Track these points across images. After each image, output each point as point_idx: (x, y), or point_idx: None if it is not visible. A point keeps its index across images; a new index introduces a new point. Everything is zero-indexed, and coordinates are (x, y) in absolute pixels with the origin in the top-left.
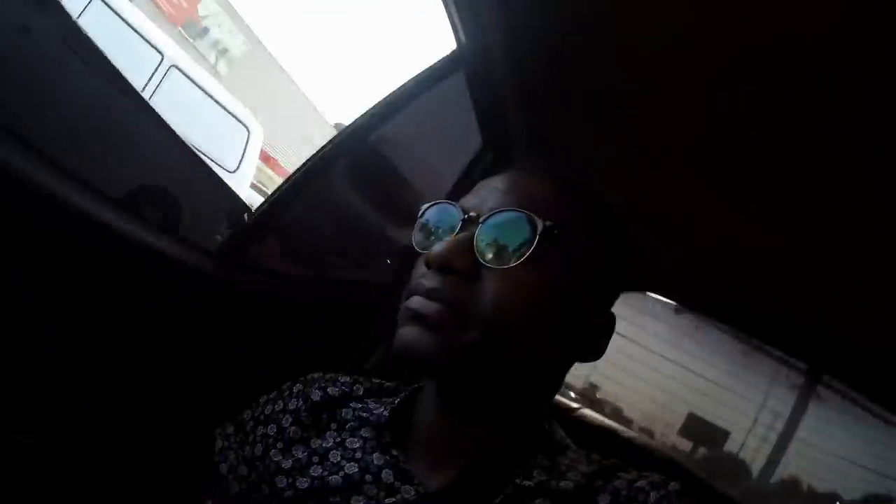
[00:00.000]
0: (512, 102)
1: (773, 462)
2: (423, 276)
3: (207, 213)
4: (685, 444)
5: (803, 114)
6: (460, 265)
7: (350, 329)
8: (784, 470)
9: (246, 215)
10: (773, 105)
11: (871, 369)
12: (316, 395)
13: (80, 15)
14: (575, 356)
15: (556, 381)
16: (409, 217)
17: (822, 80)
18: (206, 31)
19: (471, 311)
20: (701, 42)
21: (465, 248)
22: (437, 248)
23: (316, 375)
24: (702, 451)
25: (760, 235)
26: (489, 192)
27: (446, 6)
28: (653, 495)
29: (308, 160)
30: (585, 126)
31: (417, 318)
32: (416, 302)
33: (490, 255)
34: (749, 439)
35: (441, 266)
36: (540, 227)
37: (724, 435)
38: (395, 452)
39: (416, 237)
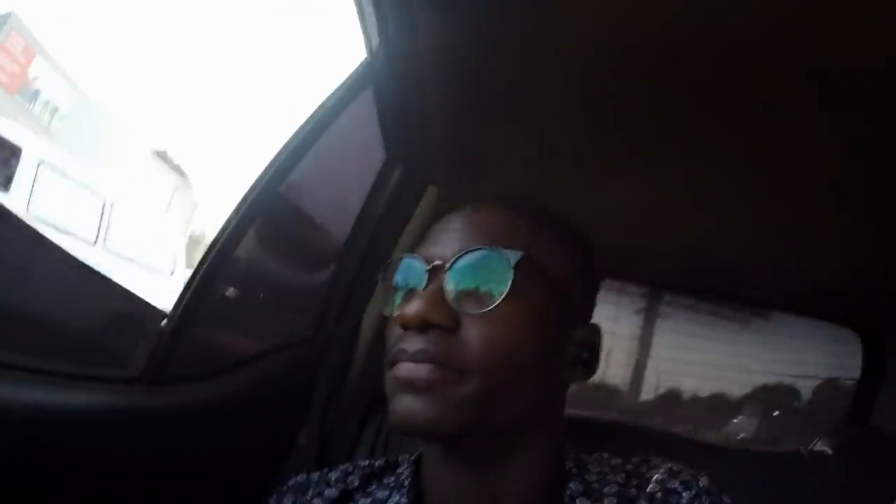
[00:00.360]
0: (420, 112)
1: (637, 381)
2: (402, 340)
3: (120, 328)
4: None
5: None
6: (439, 319)
7: (298, 395)
8: (657, 386)
9: (164, 322)
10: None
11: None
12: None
13: None
14: (573, 377)
15: (561, 406)
16: (330, 260)
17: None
18: (37, 93)
19: (462, 363)
20: (601, 43)
21: (440, 299)
22: (411, 307)
23: (299, 480)
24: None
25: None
26: (447, 234)
27: (361, 18)
28: (685, 496)
29: (217, 238)
30: (495, 132)
31: (409, 385)
32: (404, 369)
33: (467, 301)
34: (611, 367)
35: (419, 325)
36: (513, 260)
37: None
38: None
39: (384, 298)
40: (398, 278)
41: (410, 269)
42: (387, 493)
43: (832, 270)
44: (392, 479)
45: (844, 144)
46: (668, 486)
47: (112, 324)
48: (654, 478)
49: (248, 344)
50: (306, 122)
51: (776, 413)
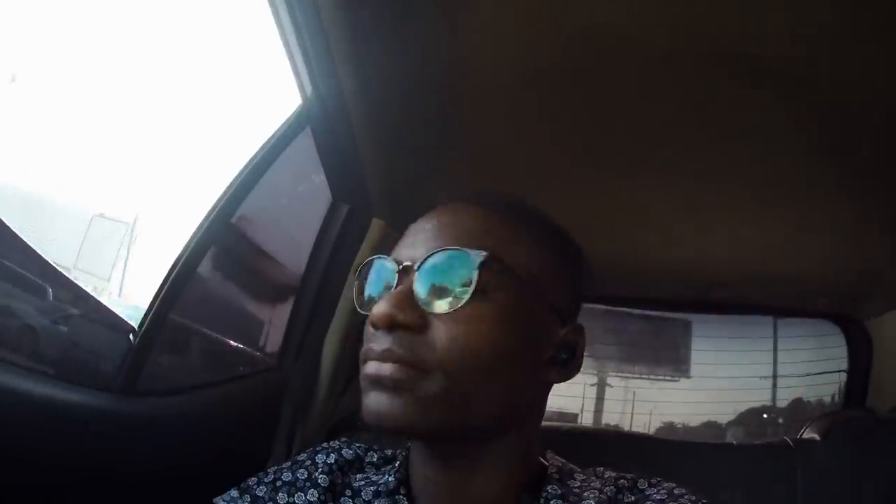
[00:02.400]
0: (355, 151)
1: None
2: (372, 339)
3: (92, 343)
4: None
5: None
6: (405, 319)
7: (265, 420)
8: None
9: (131, 336)
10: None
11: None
12: (331, 458)
13: None
14: (551, 378)
15: (540, 408)
16: (286, 289)
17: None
18: None
19: (426, 363)
20: (522, 60)
21: (407, 299)
22: (377, 306)
23: (333, 443)
24: None
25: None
26: (419, 236)
27: (292, 62)
28: None
29: (176, 261)
30: (431, 160)
31: (377, 382)
32: (373, 367)
33: (433, 302)
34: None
35: (386, 324)
36: (477, 260)
37: None
38: None
39: (356, 300)
40: (371, 279)
41: (383, 270)
42: (383, 476)
43: (805, 262)
44: (390, 466)
45: (799, 141)
46: None
47: (85, 334)
48: (653, 496)
49: (215, 368)
50: (248, 162)
51: (765, 416)
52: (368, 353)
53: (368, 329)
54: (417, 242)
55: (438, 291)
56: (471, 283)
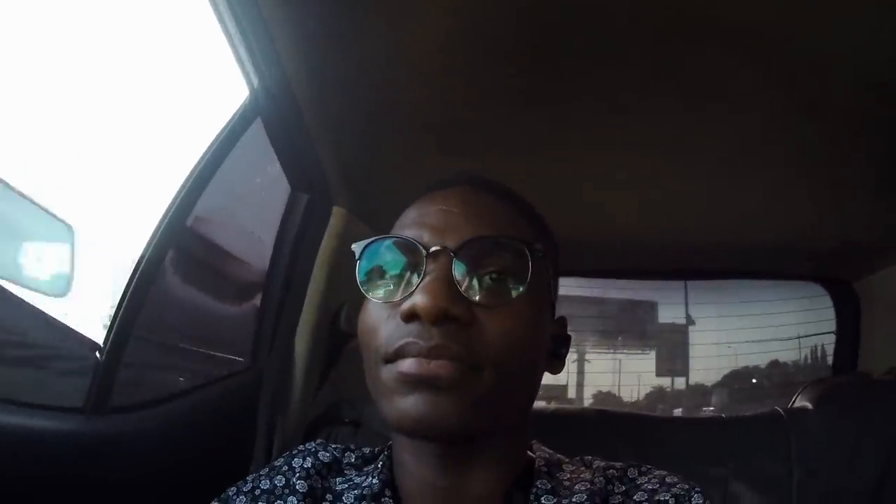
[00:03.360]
0: (308, 139)
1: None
2: (411, 333)
3: (57, 364)
4: None
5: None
6: (458, 312)
7: (242, 423)
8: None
9: (97, 353)
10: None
11: None
12: (307, 462)
13: None
14: (549, 370)
15: (534, 402)
16: (252, 287)
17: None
18: None
19: (479, 358)
20: (473, 33)
21: (453, 290)
22: (423, 298)
23: (308, 445)
24: None
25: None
26: (440, 217)
27: (234, 50)
28: None
29: (135, 269)
30: (394, 146)
31: (424, 383)
32: (418, 365)
33: (482, 293)
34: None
35: (436, 317)
36: (531, 253)
37: None
38: None
39: (366, 284)
40: (386, 262)
41: (401, 254)
42: (365, 477)
43: (788, 225)
44: (371, 466)
45: (774, 103)
46: (659, 497)
47: (48, 355)
48: (644, 486)
49: (187, 375)
50: (200, 158)
51: (754, 380)
52: (407, 349)
53: (390, 322)
54: (443, 226)
55: (484, 282)
56: (521, 274)
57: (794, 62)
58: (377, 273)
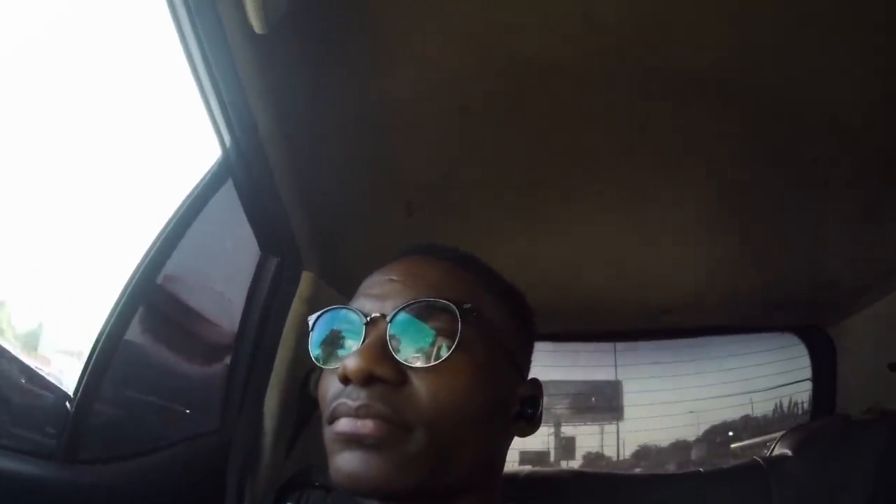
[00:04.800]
0: (279, 203)
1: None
2: (343, 394)
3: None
4: None
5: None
6: (384, 373)
7: (211, 484)
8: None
9: (68, 404)
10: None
11: None
12: None
13: None
14: (513, 432)
15: (503, 463)
16: (221, 348)
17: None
18: None
19: (408, 419)
20: (436, 95)
21: (384, 352)
22: (352, 360)
23: None
24: None
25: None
26: (384, 287)
27: (208, 110)
28: None
29: (105, 324)
30: (364, 209)
31: (354, 441)
32: (347, 424)
33: (412, 354)
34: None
35: (364, 379)
36: (460, 313)
37: None
38: None
39: (315, 353)
40: (331, 331)
41: (346, 322)
42: None
43: (759, 277)
44: None
45: (743, 153)
46: None
47: (21, 402)
48: None
49: (157, 433)
50: (171, 216)
51: (731, 433)
52: (339, 409)
53: (333, 385)
54: (384, 294)
55: (416, 343)
56: (454, 335)
57: (765, 112)
58: (327, 342)
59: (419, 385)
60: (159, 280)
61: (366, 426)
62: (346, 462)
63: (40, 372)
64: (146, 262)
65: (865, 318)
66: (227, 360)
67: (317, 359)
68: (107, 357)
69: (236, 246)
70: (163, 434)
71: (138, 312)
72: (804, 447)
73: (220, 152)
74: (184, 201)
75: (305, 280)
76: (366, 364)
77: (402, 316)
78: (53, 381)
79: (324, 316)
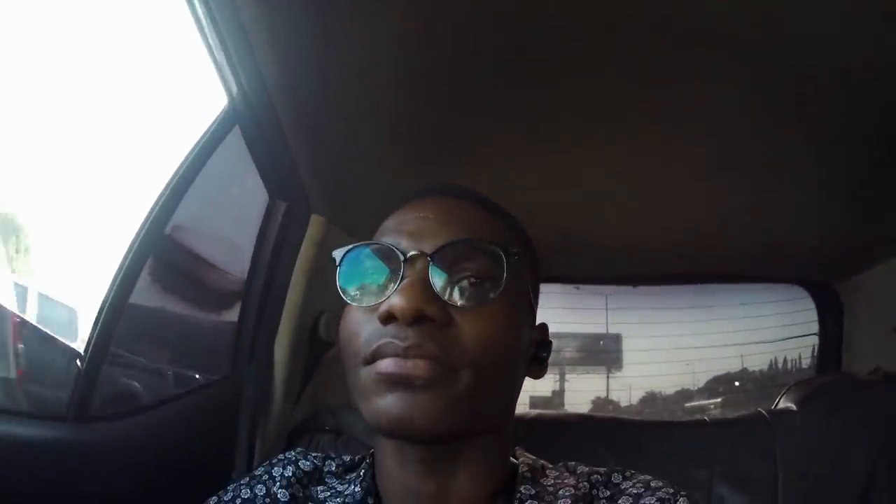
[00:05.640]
0: (286, 147)
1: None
2: (388, 334)
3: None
4: None
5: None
6: (433, 313)
7: (223, 431)
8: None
9: (78, 362)
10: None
11: None
12: (288, 471)
13: None
14: (531, 375)
15: (514, 408)
16: (231, 295)
17: None
18: None
19: (456, 358)
20: (446, 35)
21: (429, 291)
22: (400, 298)
23: (289, 454)
24: None
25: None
26: (418, 223)
27: (213, 59)
28: None
29: (114, 277)
30: (372, 154)
31: (401, 382)
32: (394, 364)
33: (457, 295)
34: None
35: (413, 318)
36: (506, 256)
37: None
38: None
39: (347, 290)
40: (364, 268)
41: (379, 259)
42: (347, 486)
43: (769, 228)
44: (354, 474)
45: (754, 105)
46: (643, 501)
47: (31, 364)
48: (628, 490)
49: (168, 383)
50: (179, 165)
51: (737, 383)
52: (384, 349)
53: (369, 324)
54: (420, 232)
55: (460, 284)
56: (497, 277)
57: (775, 67)
58: (357, 279)
59: (465, 326)
60: (168, 230)
61: (417, 367)
62: (392, 404)
63: (49, 333)
64: (154, 212)
65: (875, 276)
66: (238, 306)
67: (349, 296)
68: (117, 311)
69: (244, 192)
70: (174, 385)
71: (147, 264)
72: (808, 403)
73: (226, 100)
74: (191, 150)
75: (315, 223)
76: (415, 302)
77: (445, 255)
78: (64, 342)
79: (353, 251)
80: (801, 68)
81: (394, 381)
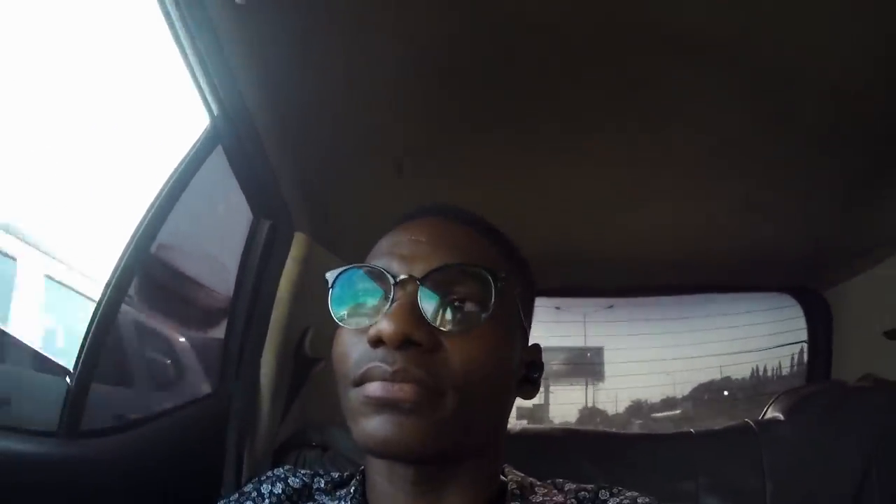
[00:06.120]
0: (268, 166)
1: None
2: (376, 358)
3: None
4: None
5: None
6: (420, 338)
7: (210, 448)
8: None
9: (68, 379)
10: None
11: None
12: (277, 488)
13: None
14: (521, 395)
15: (505, 427)
16: (217, 313)
17: None
18: None
19: (442, 383)
20: (424, 47)
21: (417, 316)
22: (388, 323)
23: (277, 471)
24: None
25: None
26: (409, 247)
27: (194, 79)
28: None
29: (102, 296)
30: (354, 171)
31: (388, 405)
32: (381, 388)
33: (446, 320)
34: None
35: (400, 342)
36: (494, 280)
37: None
38: None
39: (337, 311)
40: (356, 290)
41: (371, 282)
42: (337, 502)
43: (758, 236)
44: (344, 490)
45: (739, 113)
46: None
47: (20, 380)
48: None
49: (156, 400)
50: (163, 186)
51: (726, 392)
52: (372, 373)
53: (358, 347)
54: (412, 255)
55: (449, 309)
56: (485, 301)
57: (761, 75)
58: (348, 301)
59: (452, 350)
60: (153, 249)
61: (402, 390)
62: (378, 427)
63: (39, 351)
64: (140, 232)
65: (863, 283)
66: (224, 323)
67: (338, 318)
68: (104, 329)
69: (228, 211)
70: (162, 402)
71: (133, 283)
72: (796, 412)
73: (208, 121)
74: (174, 170)
75: (298, 241)
76: (403, 328)
77: (435, 279)
78: (52, 358)
79: (345, 273)
80: (789, 78)
81: (381, 405)
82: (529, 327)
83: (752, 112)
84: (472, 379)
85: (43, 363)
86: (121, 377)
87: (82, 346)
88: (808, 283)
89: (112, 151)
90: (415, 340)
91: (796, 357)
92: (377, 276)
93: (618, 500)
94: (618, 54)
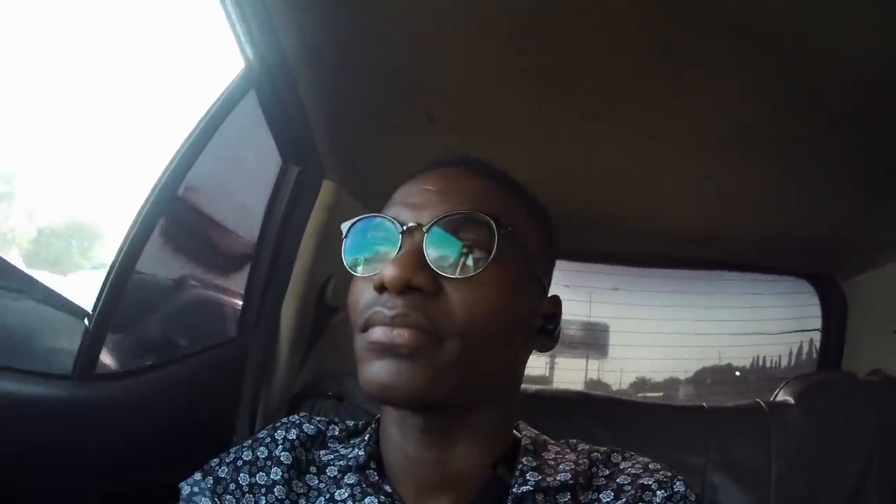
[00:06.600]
0: (301, 112)
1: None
2: (379, 303)
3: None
4: None
5: None
6: (421, 282)
7: (227, 393)
8: (621, 372)
9: (86, 320)
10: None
11: None
12: (292, 434)
13: None
14: (537, 347)
15: (520, 378)
16: (241, 258)
17: None
18: None
19: (442, 329)
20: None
21: (421, 262)
22: (390, 268)
23: (293, 418)
24: None
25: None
26: (420, 197)
27: (230, 23)
28: (659, 494)
29: (125, 237)
30: (386, 120)
31: (388, 350)
32: (382, 333)
33: (449, 266)
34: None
35: (400, 287)
36: (497, 226)
37: None
38: (388, 489)
39: (349, 260)
40: (365, 239)
41: (381, 231)
42: (351, 450)
43: (778, 217)
44: (358, 439)
45: (770, 95)
46: (642, 481)
47: (37, 322)
48: (627, 470)
49: (174, 344)
50: (194, 128)
51: (738, 373)
52: (373, 318)
53: (366, 294)
54: (419, 203)
55: (452, 255)
56: (490, 248)
57: (791, 56)
58: (360, 250)
59: (453, 296)
60: (181, 191)
61: (401, 335)
62: (378, 371)
63: (57, 291)
64: (168, 173)
65: (881, 277)
66: (247, 269)
67: (350, 266)
68: (126, 270)
69: (258, 156)
70: (181, 345)
71: (159, 224)
72: (806, 398)
73: (242, 64)
74: (206, 113)
75: (326, 188)
76: (403, 273)
77: (439, 226)
78: (71, 300)
79: (358, 223)
80: (819, 59)
81: (381, 349)
82: (548, 279)
83: (783, 92)
84: (474, 324)
85: (60, 305)
86: (141, 320)
87: (102, 287)
88: (826, 271)
89: (146, 93)
90: (416, 285)
91: (807, 345)
92: (387, 225)
93: (629, 463)
94: (651, 23)
